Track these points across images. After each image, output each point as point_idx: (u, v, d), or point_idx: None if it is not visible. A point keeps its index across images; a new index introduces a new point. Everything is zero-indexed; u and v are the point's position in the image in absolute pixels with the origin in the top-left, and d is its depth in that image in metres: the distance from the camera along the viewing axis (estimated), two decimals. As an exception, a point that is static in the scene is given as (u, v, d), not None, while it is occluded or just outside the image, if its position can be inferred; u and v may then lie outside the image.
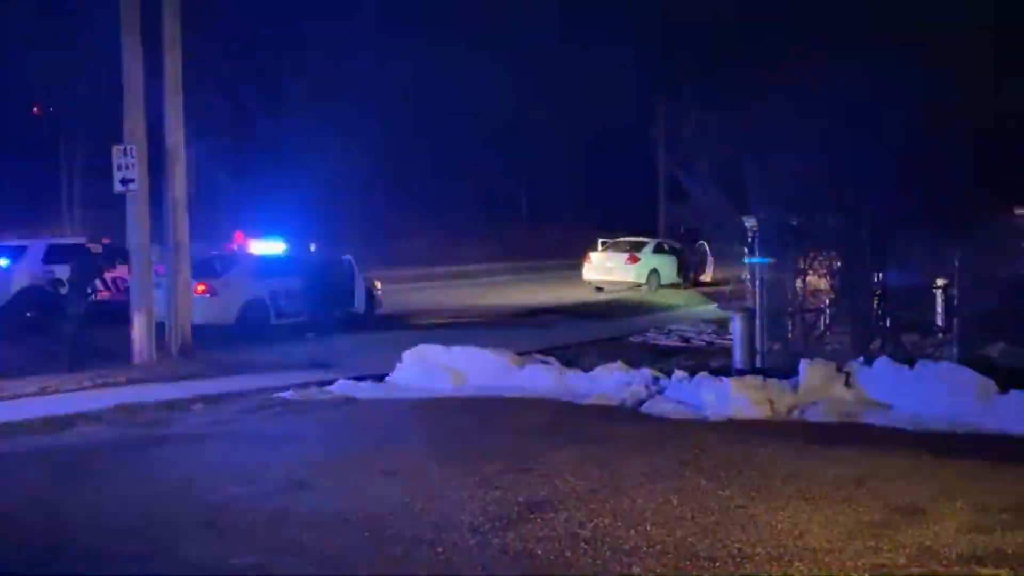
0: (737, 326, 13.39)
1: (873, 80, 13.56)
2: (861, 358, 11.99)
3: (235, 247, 21.03)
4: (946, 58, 14.10)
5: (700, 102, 14.76)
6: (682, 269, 29.21)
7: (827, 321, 14.52)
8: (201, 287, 17.73)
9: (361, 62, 39.38)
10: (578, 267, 29.50)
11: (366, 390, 12.52)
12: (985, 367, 11.33)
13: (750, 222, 14.40)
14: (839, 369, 11.55)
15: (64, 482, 8.29)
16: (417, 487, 7.73)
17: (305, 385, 12.84)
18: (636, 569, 6.04)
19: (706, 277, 29.19)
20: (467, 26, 42.73)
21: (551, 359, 13.93)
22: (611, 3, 41.22)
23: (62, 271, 16.79)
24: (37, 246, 20.09)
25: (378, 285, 21.58)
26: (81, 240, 21.01)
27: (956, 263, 13.74)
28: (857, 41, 14.97)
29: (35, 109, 39.00)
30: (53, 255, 19.30)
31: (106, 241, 16.60)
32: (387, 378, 13.11)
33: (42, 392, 12.51)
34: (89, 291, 14.83)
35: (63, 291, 15.48)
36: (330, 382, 12.82)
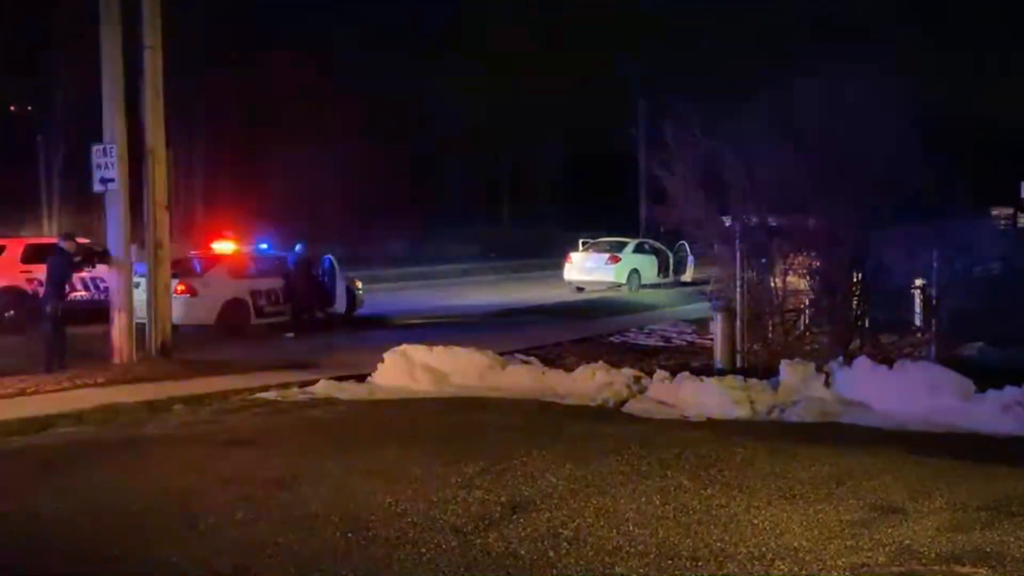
0: (718, 326, 13.47)
1: (851, 81, 13.64)
2: (840, 358, 12.08)
3: (216, 246, 20.94)
4: (923, 60, 14.22)
5: (680, 102, 14.83)
6: (663, 269, 29.33)
7: (807, 321, 14.60)
8: (181, 287, 17.66)
9: (344, 63, 39.36)
10: (559, 267, 29.56)
11: (348, 390, 12.50)
12: (963, 367, 11.43)
13: (729, 222, 14.48)
14: (819, 369, 11.64)
15: (43, 483, 8.23)
16: (399, 487, 7.72)
17: (286, 385, 12.80)
18: (619, 569, 6.06)
19: (687, 277, 29.32)
20: (449, 27, 42.76)
21: (532, 359, 13.97)
22: (593, 4, 41.35)
23: (41, 271, 16.69)
24: (15, 246, 19.93)
25: (359, 285, 21.55)
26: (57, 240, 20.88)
27: (934, 263, 13.85)
28: (836, 43, 15.07)
29: (11, 108, 38.69)
30: (32, 255, 19.16)
31: (82, 240, 16.48)
32: (369, 378, 13.10)
33: (21, 393, 12.39)
34: (67, 291, 14.72)
35: (41, 291, 15.38)
36: (311, 382, 12.78)
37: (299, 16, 39.81)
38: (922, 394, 10.74)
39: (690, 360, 14.42)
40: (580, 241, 30.20)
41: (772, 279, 14.36)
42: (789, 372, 11.48)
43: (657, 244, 29.60)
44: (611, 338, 18.01)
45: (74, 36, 27.42)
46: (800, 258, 14.56)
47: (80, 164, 17.79)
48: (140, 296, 15.39)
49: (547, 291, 27.72)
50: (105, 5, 14.52)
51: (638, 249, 29.31)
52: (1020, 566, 6.08)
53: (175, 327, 15.89)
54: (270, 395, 12.30)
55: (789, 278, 14.52)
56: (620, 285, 28.12)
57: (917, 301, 14.49)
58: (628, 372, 12.55)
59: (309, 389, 12.56)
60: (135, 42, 14.89)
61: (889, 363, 11.59)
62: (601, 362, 13.09)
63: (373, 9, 41.24)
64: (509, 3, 42.75)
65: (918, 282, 14.53)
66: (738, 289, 13.66)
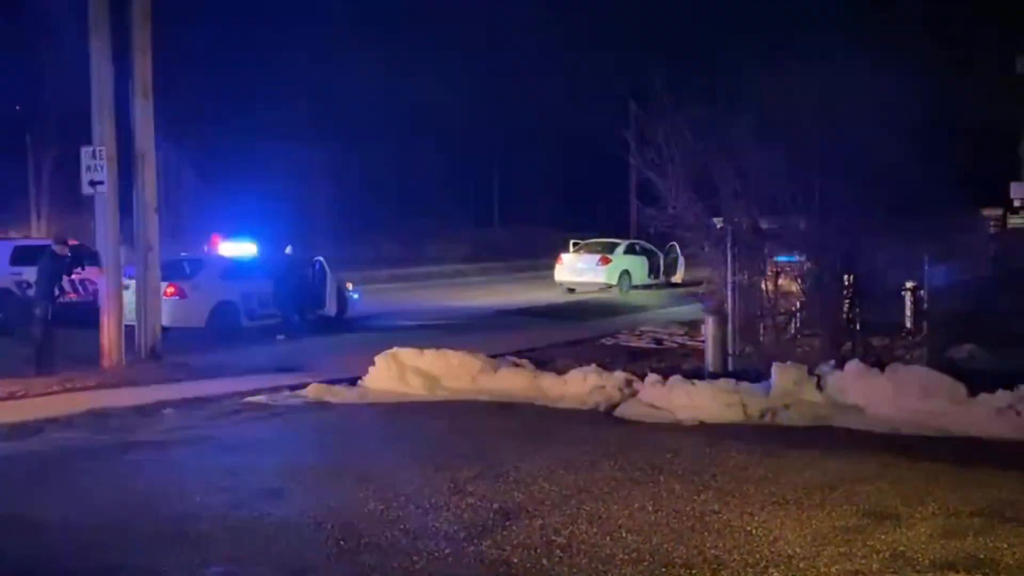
0: (709, 329, 13.43)
1: (842, 83, 13.64)
2: (832, 361, 12.07)
3: (206, 249, 20.88)
4: (915, 60, 14.24)
5: (671, 104, 14.81)
6: (653, 270, 29.36)
7: (798, 324, 14.59)
8: (171, 289, 17.59)
9: (334, 63, 39.28)
10: (550, 268, 29.55)
11: (339, 394, 12.44)
12: (955, 369, 11.44)
13: (720, 224, 14.46)
14: (811, 372, 11.61)
15: (33, 490, 8.18)
16: (391, 494, 7.68)
17: (277, 389, 12.76)
18: (612, 576, 6.04)
19: (677, 278, 29.35)
20: (440, 28, 42.72)
21: (524, 362, 13.92)
22: (584, 5, 41.35)
23: (29, 273, 16.61)
24: (3, 247, 19.83)
25: (350, 286, 21.49)
26: (48, 241, 20.76)
27: (925, 265, 13.86)
28: (827, 44, 15.08)
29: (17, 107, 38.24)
30: (20, 256, 19.07)
31: (73, 242, 16.44)
32: (360, 381, 13.05)
33: (9, 397, 12.32)
34: (56, 293, 14.65)
35: (30, 293, 15.30)
36: (302, 386, 12.73)
37: (290, 15, 39.71)
38: (914, 397, 10.74)
39: (681, 363, 14.39)
40: (571, 242, 30.19)
41: (763, 282, 14.35)
42: (781, 375, 11.45)
43: (648, 245, 29.62)
44: (602, 340, 17.98)
45: (63, 36, 27.27)
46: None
47: (70, 165, 17.69)
48: (129, 298, 15.32)
49: (538, 293, 27.72)
50: (94, 7, 14.44)
51: (629, 250, 29.33)
52: (1014, 573, 6.07)
53: (165, 329, 15.82)
54: (261, 399, 12.25)
55: (780, 281, 14.51)
56: (611, 286, 28.14)
57: (908, 303, 14.50)
58: (620, 375, 12.51)
59: (300, 392, 12.51)
60: (124, 44, 14.82)
61: (881, 366, 11.59)
62: (593, 365, 13.06)
63: (366, 8, 41.18)
64: (500, 3, 42.69)
65: (908, 284, 14.54)
66: (729, 291, 13.63)
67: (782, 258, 14.39)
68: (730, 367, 13.10)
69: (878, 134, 13.42)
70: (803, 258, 14.41)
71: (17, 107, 37.69)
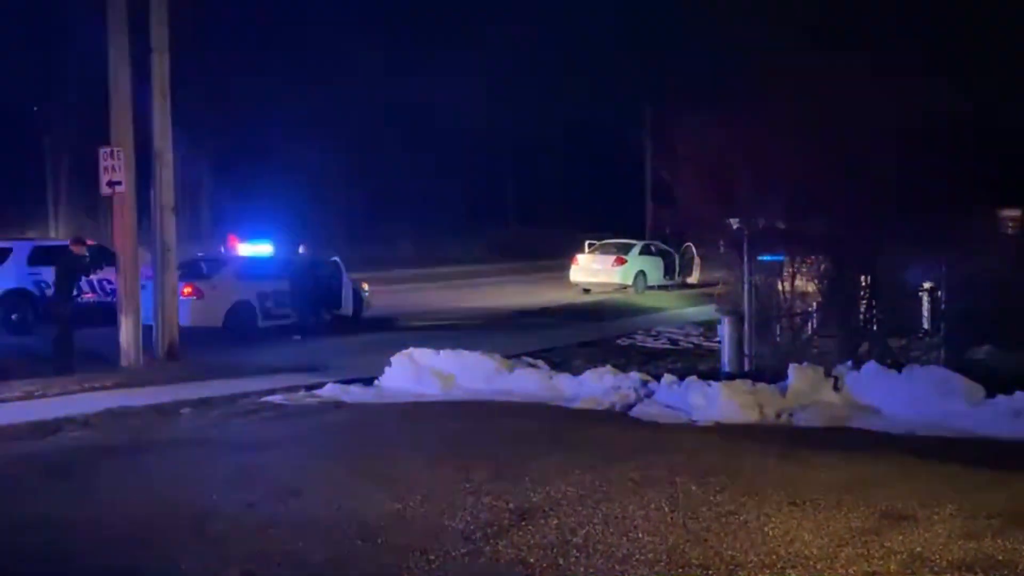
0: (725, 329, 13.42)
1: (860, 83, 13.59)
2: (849, 362, 12.04)
3: (223, 249, 20.98)
4: (931, 61, 14.17)
5: (687, 104, 14.83)
6: (669, 271, 29.33)
7: (815, 325, 14.55)
8: (188, 289, 17.67)
9: (348, 64, 39.39)
10: (565, 269, 29.56)
11: (355, 394, 12.48)
12: (973, 371, 11.38)
13: (736, 224, 14.44)
14: (827, 373, 11.59)
15: (51, 489, 8.22)
16: (408, 494, 7.70)
17: (294, 389, 12.80)
18: (629, 577, 6.04)
19: (693, 279, 29.32)
20: (455, 28, 42.76)
21: (540, 362, 13.95)
22: (599, 5, 41.31)
23: (47, 273, 16.73)
24: (22, 247, 19.94)
25: (365, 287, 21.54)
26: (66, 241, 20.86)
27: (943, 266, 13.79)
28: (844, 45, 15.02)
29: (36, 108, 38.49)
30: (38, 257, 19.17)
31: (91, 242, 16.54)
32: (376, 381, 13.08)
33: (28, 396, 12.40)
34: (74, 293, 14.75)
35: (48, 293, 15.39)
36: (319, 386, 12.77)
37: (308, 18, 39.84)
38: (932, 399, 10.70)
39: (697, 363, 14.39)
40: (586, 243, 30.19)
41: (780, 282, 14.31)
42: (798, 376, 11.43)
43: (663, 246, 29.60)
44: (618, 340, 17.99)
45: (82, 37, 27.45)
46: (808, 261, 14.51)
47: (87, 165, 17.79)
48: (147, 298, 15.39)
49: (553, 293, 27.71)
50: (112, 8, 14.52)
51: (644, 251, 29.31)
52: (1033, 575, 6.05)
53: (182, 329, 15.88)
54: (277, 398, 12.29)
55: (797, 281, 14.47)
56: (626, 287, 28.14)
57: (925, 304, 14.45)
58: (635, 376, 12.51)
59: (316, 392, 12.55)
60: (142, 45, 14.89)
61: (898, 367, 11.56)
62: (608, 365, 13.07)
63: (380, 9, 41.27)
64: (516, 3, 42.73)
65: (926, 285, 14.48)
66: (746, 292, 13.60)
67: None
68: (746, 368, 13.09)
69: (896, 132, 13.38)
70: (819, 258, 14.37)
71: (35, 108, 37.94)
